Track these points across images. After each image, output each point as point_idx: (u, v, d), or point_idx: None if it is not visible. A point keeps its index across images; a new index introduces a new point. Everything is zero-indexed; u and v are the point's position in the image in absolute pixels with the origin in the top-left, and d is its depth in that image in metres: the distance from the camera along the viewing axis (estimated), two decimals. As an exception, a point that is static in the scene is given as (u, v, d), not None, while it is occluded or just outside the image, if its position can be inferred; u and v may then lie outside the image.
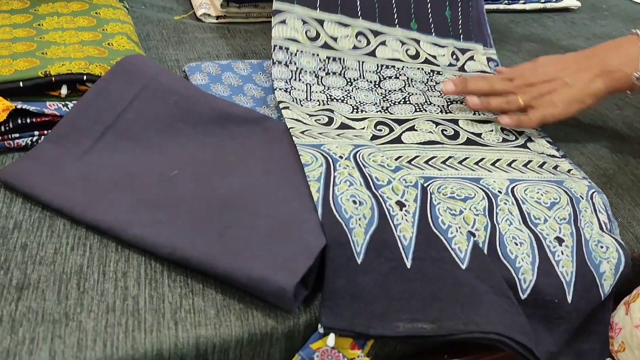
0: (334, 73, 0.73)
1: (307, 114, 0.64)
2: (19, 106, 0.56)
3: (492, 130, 0.68)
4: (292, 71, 0.71)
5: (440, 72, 0.78)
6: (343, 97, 0.70)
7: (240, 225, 0.47)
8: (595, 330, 0.50)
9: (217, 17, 0.92)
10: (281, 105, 0.64)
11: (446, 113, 0.70)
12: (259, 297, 0.45)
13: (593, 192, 0.59)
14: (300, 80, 0.71)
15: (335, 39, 0.75)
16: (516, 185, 0.58)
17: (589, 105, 0.64)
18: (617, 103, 0.81)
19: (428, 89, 0.74)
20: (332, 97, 0.69)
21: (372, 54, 0.77)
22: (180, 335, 0.42)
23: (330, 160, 0.54)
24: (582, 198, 0.57)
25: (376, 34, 0.78)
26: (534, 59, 0.69)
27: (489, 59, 0.83)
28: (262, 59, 0.80)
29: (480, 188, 0.57)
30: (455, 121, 0.69)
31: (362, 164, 0.54)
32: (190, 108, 0.58)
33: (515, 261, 0.50)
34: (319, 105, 0.68)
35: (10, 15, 0.72)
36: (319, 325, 0.44)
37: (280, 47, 0.72)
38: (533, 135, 0.69)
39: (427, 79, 0.76)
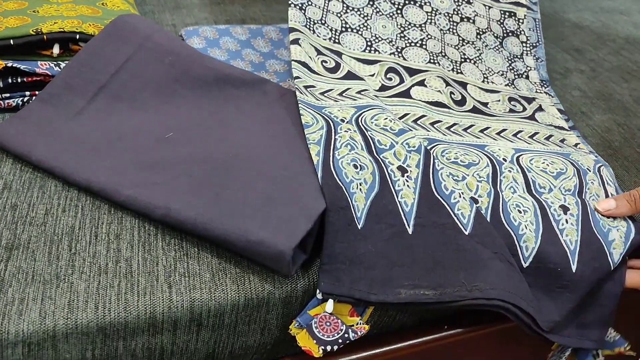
0: None
1: (315, 49, 0.61)
2: (10, 64, 0.54)
3: (499, 100, 0.66)
4: None
5: (471, 1, 0.73)
6: (359, 26, 0.65)
7: (238, 187, 0.46)
8: (601, 303, 0.49)
9: (216, -17, 0.90)
10: (291, 37, 0.60)
11: (457, 73, 0.67)
12: (255, 262, 0.44)
13: (600, 166, 0.57)
14: None
15: None
16: (521, 154, 0.57)
17: None
18: (624, 76, 0.79)
19: (449, 28, 0.70)
20: (347, 26, 0.65)
21: None
22: (175, 299, 0.41)
23: (332, 124, 0.52)
24: (589, 170, 0.56)
25: None
26: None
27: None
28: (262, 25, 0.78)
29: (485, 154, 0.55)
30: (464, 85, 0.66)
31: (365, 127, 0.53)
32: (186, 69, 0.56)
33: (518, 228, 0.48)
34: (329, 36, 0.63)
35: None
36: (317, 291, 0.43)
37: None
38: (544, 104, 0.67)
39: (453, 11, 0.71)
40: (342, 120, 0.53)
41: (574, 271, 0.47)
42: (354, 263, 0.44)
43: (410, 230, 0.46)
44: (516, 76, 0.71)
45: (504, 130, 0.61)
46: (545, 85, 0.71)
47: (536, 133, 0.62)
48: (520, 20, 0.75)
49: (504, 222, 0.48)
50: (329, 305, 0.43)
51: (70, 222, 0.45)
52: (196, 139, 0.50)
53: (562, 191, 0.52)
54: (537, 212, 0.49)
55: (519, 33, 0.74)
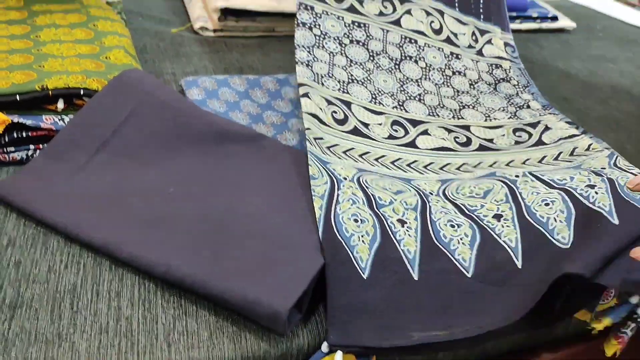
0: (358, 42, 0.73)
1: (326, 100, 0.64)
2: (16, 120, 0.56)
3: (503, 135, 0.69)
4: (315, 36, 0.71)
5: (459, 57, 0.78)
6: (363, 79, 0.70)
7: (235, 245, 0.47)
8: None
9: (215, 31, 0.93)
10: (301, 91, 0.64)
11: (458, 119, 0.71)
12: (252, 320, 0.45)
13: (616, 158, 0.60)
14: (323, 48, 0.70)
15: (361, 2, 0.75)
16: (534, 173, 0.59)
17: None
18: (610, 126, 0.82)
19: (444, 82, 0.74)
20: (353, 78, 0.69)
21: (397, 22, 0.77)
22: (174, 358, 0.42)
23: (335, 180, 0.55)
24: (605, 168, 0.58)
25: (402, 1, 0.78)
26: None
27: (505, 44, 0.83)
28: (259, 74, 0.81)
29: (498, 179, 0.58)
30: (467, 127, 0.70)
31: (365, 185, 0.55)
32: (186, 124, 0.58)
33: (547, 224, 0.51)
34: (338, 87, 0.67)
35: (8, 26, 0.72)
36: (324, 344, 0.44)
37: (306, 7, 0.72)
38: (550, 122, 0.69)
39: (445, 66, 0.76)
40: (345, 178, 0.55)
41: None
42: (362, 312, 0.45)
43: (415, 277, 0.48)
44: (517, 108, 0.74)
45: (511, 161, 0.64)
46: (548, 108, 0.74)
47: (544, 157, 0.64)
48: (507, 70, 0.79)
49: (531, 220, 0.52)
50: (338, 356, 0.44)
51: (73, 279, 0.47)
52: (196, 196, 0.52)
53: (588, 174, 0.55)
54: (566, 199, 0.52)
55: (509, 79, 0.78)
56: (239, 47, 0.90)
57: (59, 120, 0.58)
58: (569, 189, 0.53)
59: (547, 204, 0.52)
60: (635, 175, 0.55)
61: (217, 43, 0.91)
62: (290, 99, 0.74)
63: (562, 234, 0.50)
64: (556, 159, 0.63)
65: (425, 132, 0.68)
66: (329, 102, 0.65)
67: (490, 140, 0.68)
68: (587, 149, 0.63)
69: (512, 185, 0.56)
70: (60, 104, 0.59)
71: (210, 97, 0.71)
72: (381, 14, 0.76)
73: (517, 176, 0.58)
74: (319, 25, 0.71)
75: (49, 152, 0.55)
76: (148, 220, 0.50)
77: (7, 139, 0.56)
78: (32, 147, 0.57)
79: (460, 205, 0.55)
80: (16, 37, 0.69)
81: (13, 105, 0.57)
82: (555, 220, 0.51)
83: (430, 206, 0.55)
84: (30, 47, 0.67)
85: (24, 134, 0.57)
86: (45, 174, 0.54)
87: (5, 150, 0.56)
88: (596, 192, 0.52)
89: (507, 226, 0.52)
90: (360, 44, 0.73)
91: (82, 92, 0.59)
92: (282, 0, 0.92)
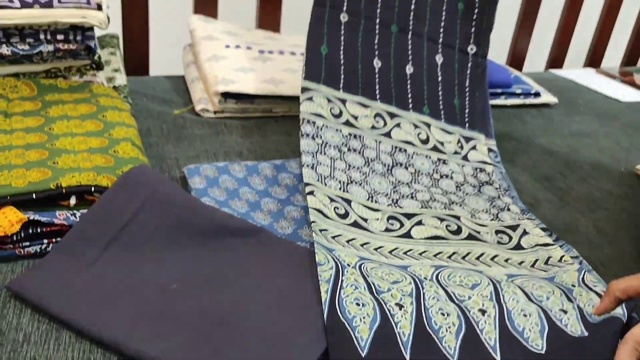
0: (355, 150, 0.81)
1: (329, 198, 0.71)
2: (31, 217, 0.60)
3: (488, 233, 0.74)
4: (318, 144, 0.79)
5: (446, 162, 0.86)
6: (361, 181, 0.77)
7: (235, 343, 0.51)
8: None
9: (215, 112, 0.98)
10: (307, 189, 0.71)
11: (449, 210, 0.77)
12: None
13: (584, 273, 0.65)
14: (325, 154, 0.78)
15: (356, 118, 0.84)
16: (514, 279, 0.64)
17: None
18: (589, 205, 0.86)
19: (432, 184, 0.82)
20: (352, 180, 0.76)
21: (388, 134, 0.85)
22: None
23: (340, 265, 0.60)
24: (575, 286, 0.63)
25: (392, 116, 0.87)
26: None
27: (489, 149, 0.91)
28: (257, 158, 0.86)
29: (485, 276, 0.63)
30: (457, 217, 0.76)
31: (366, 273, 0.61)
32: (189, 220, 0.63)
33: (523, 332, 0.56)
34: (339, 187, 0.74)
35: (23, 118, 0.77)
36: None
37: (308, 121, 0.80)
38: (528, 227, 0.75)
39: (433, 170, 0.84)
40: (348, 265, 0.61)
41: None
42: None
43: (408, 358, 0.53)
44: (499, 210, 0.80)
45: (496, 255, 0.69)
46: (525, 213, 0.80)
47: (522, 262, 0.69)
48: (490, 174, 0.86)
49: (511, 329, 0.57)
50: None
51: (83, 376, 0.50)
52: (197, 292, 0.56)
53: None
54: (541, 315, 0.58)
55: (491, 182, 0.85)
56: (238, 129, 0.95)
57: (71, 215, 0.63)
58: (544, 308, 0.59)
59: (524, 315, 0.58)
60: (601, 294, 0.61)
61: (218, 125, 0.96)
62: (286, 185, 0.79)
63: (536, 342, 0.56)
64: (533, 265, 0.68)
65: (419, 223, 0.74)
66: (332, 200, 0.72)
67: (478, 232, 0.74)
68: (560, 260, 0.69)
69: (497, 286, 0.61)
70: (73, 200, 0.63)
71: (211, 185, 0.75)
72: (374, 127, 0.85)
73: (501, 280, 0.63)
74: (321, 135, 0.80)
75: (61, 248, 0.60)
76: (153, 317, 0.54)
77: (22, 235, 0.60)
78: (45, 241, 0.62)
79: (451, 293, 0.60)
80: (31, 131, 0.74)
81: (29, 202, 0.62)
82: (530, 331, 0.56)
83: (424, 292, 0.60)
84: (44, 141, 0.72)
85: (39, 230, 0.61)
86: (58, 270, 0.58)
87: (20, 245, 0.61)
88: (568, 318, 0.58)
89: (489, 324, 0.57)
90: (357, 151, 0.81)
91: (93, 189, 0.64)
92: (280, 84, 0.98)
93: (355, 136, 0.83)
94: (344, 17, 0.87)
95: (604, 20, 1.60)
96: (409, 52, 0.91)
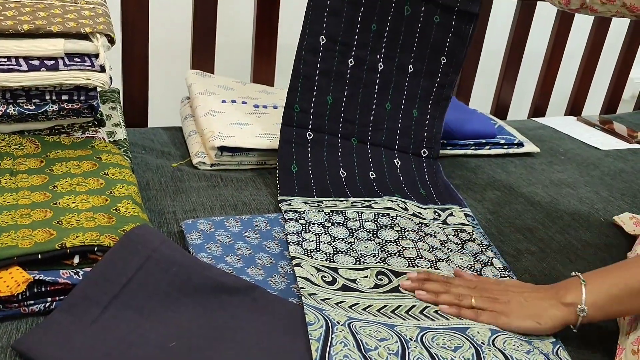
0: (338, 223, 0.86)
1: (316, 269, 0.75)
2: (36, 277, 0.63)
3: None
4: (302, 224, 0.84)
5: (428, 224, 0.91)
6: (346, 249, 0.81)
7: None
8: None
9: (211, 165, 1.02)
10: (294, 262, 0.76)
11: (435, 269, 0.80)
12: None
13: (558, 347, 0.68)
14: (309, 232, 0.83)
15: (335, 205, 0.91)
16: (497, 337, 0.67)
17: (546, 328, 0.68)
18: (569, 257, 0.90)
19: (419, 239, 0.86)
20: (338, 250, 0.81)
21: (369, 206, 0.92)
22: None
23: (329, 324, 0.64)
24: (550, 353, 0.67)
25: (368, 201, 0.94)
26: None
27: (466, 215, 0.96)
28: (252, 212, 0.90)
29: (467, 338, 0.66)
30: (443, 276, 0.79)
31: (355, 331, 0.64)
32: (187, 278, 0.66)
33: None
34: (326, 258, 0.78)
35: (28, 177, 0.81)
36: None
37: (291, 210, 0.88)
38: None
39: (417, 229, 0.88)
40: (338, 322, 0.64)
41: None
42: None
43: None
44: (482, 265, 0.83)
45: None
46: (507, 270, 0.84)
47: None
48: (470, 233, 0.91)
49: None
50: None
51: None
52: (194, 350, 0.59)
53: None
54: None
55: (473, 239, 0.88)
56: (233, 182, 0.99)
57: (75, 274, 0.66)
58: None
59: None
60: None
61: (214, 177, 1.00)
62: (279, 239, 0.82)
63: None
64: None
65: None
66: (319, 270, 0.76)
67: None
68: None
69: (479, 349, 0.65)
70: (76, 260, 0.67)
71: (207, 241, 0.79)
72: (354, 204, 0.93)
73: (483, 343, 0.66)
74: (304, 217, 0.86)
75: (65, 307, 0.63)
76: (153, 375, 0.56)
77: (27, 294, 0.64)
78: (49, 299, 0.65)
79: (434, 355, 0.63)
80: (36, 189, 0.78)
81: (34, 262, 0.65)
82: None
83: (409, 352, 0.63)
84: (49, 200, 0.75)
85: (43, 289, 0.64)
86: (62, 328, 0.61)
87: (25, 303, 0.64)
88: None
89: None
90: (341, 224, 0.87)
91: (96, 249, 0.67)
92: (273, 138, 1.03)
93: (337, 212, 0.89)
94: (309, 135, 1.00)
95: (584, 70, 1.67)
96: (370, 161, 1.03)
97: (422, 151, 1.08)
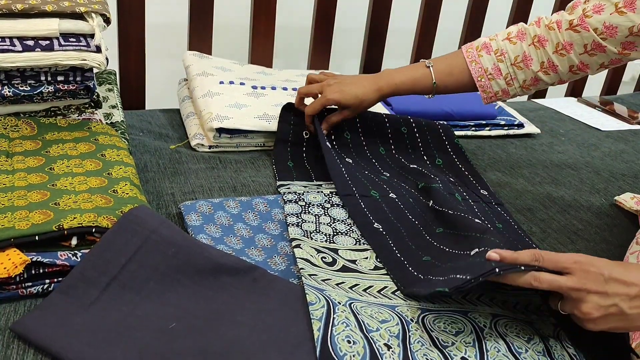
0: (338, 205, 0.86)
1: (315, 250, 0.75)
2: (34, 259, 0.63)
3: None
4: (301, 206, 0.84)
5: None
6: (346, 230, 0.81)
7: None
8: None
9: (210, 147, 1.01)
10: (293, 244, 0.75)
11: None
12: None
13: (559, 330, 0.67)
14: (309, 213, 0.83)
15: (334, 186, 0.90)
16: (498, 320, 0.67)
17: None
18: (570, 237, 0.90)
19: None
20: (337, 231, 0.80)
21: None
22: None
23: (331, 304, 0.63)
24: (550, 336, 0.66)
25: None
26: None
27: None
28: (251, 194, 0.89)
29: (469, 321, 0.66)
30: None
31: (356, 312, 0.64)
32: (187, 259, 0.65)
33: None
34: (325, 239, 0.78)
35: (24, 158, 0.80)
36: None
37: (290, 192, 0.86)
38: None
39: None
40: (339, 302, 0.64)
41: None
42: None
43: None
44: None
45: (481, 295, 0.71)
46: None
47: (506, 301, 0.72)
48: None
49: None
50: None
51: (86, 414, 0.52)
52: (195, 331, 0.59)
53: (535, 352, 0.64)
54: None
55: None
56: (232, 164, 0.98)
57: (73, 255, 0.65)
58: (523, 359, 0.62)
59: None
60: (572, 357, 0.64)
61: (212, 159, 0.99)
62: (279, 220, 0.82)
63: None
64: (515, 307, 0.71)
65: None
66: (318, 251, 0.75)
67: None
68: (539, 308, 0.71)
69: (480, 334, 0.64)
70: (74, 241, 0.66)
71: (207, 222, 0.78)
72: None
73: (484, 326, 0.65)
74: (303, 199, 0.85)
75: (63, 289, 0.62)
76: (151, 356, 0.56)
77: (25, 276, 0.63)
78: (47, 281, 0.64)
79: (435, 338, 0.63)
80: (33, 171, 0.77)
81: (31, 244, 0.64)
82: None
83: (410, 335, 0.63)
84: (45, 181, 0.75)
85: (41, 270, 0.64)
86: (60, 310, 0.60)
87: (23, 285, 0.63)
88: None
89: None
90: (340, 206, 0.86)
91: (94, 230, 0.66)
92: (272, 120, 1.02)
93: (336, 193, 0.88)
94: (306, 134, 1.01)
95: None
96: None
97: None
